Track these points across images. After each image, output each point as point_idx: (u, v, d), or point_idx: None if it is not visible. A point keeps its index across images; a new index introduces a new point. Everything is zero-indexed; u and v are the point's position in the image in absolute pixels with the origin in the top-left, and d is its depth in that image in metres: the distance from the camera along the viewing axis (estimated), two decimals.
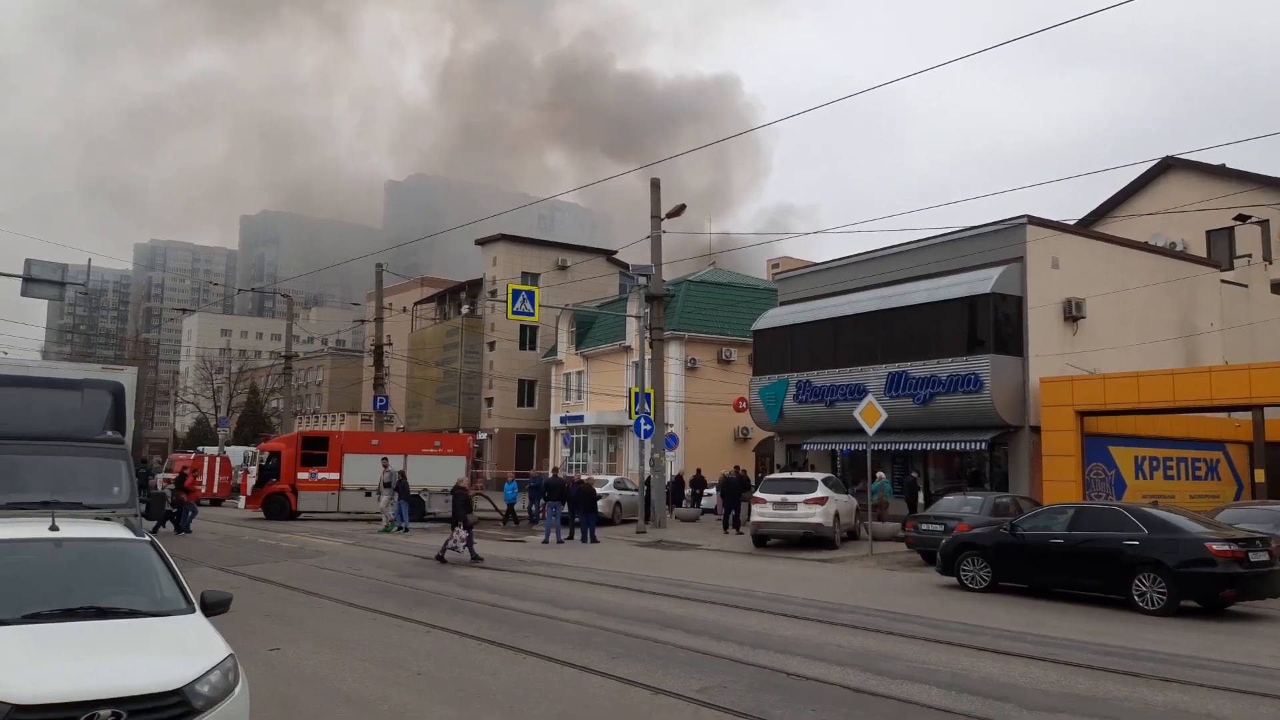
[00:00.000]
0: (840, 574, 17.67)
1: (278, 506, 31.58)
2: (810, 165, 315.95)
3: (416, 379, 60.69)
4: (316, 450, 32.20)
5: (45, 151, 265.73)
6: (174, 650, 5.21)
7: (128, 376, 11.56)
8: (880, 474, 23.95)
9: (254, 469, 33.32)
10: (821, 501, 21.10)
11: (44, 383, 10.82)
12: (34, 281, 22.36)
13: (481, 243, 59.26)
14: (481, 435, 54.61)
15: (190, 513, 26.08)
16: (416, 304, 67.28)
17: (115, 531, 6.60)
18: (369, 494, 31.57)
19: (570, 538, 23.92)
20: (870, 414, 20.62)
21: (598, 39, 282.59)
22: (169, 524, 25.86)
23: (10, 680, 4.53)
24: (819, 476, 22.65)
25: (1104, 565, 13.77)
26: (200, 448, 60.85)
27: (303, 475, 31.77)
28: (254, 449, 39.34)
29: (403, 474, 27.40)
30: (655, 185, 26.73)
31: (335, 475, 31.43)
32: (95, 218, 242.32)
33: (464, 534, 18.54)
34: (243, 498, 35.22)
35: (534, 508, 28.85)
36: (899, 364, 26.76)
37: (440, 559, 18.36)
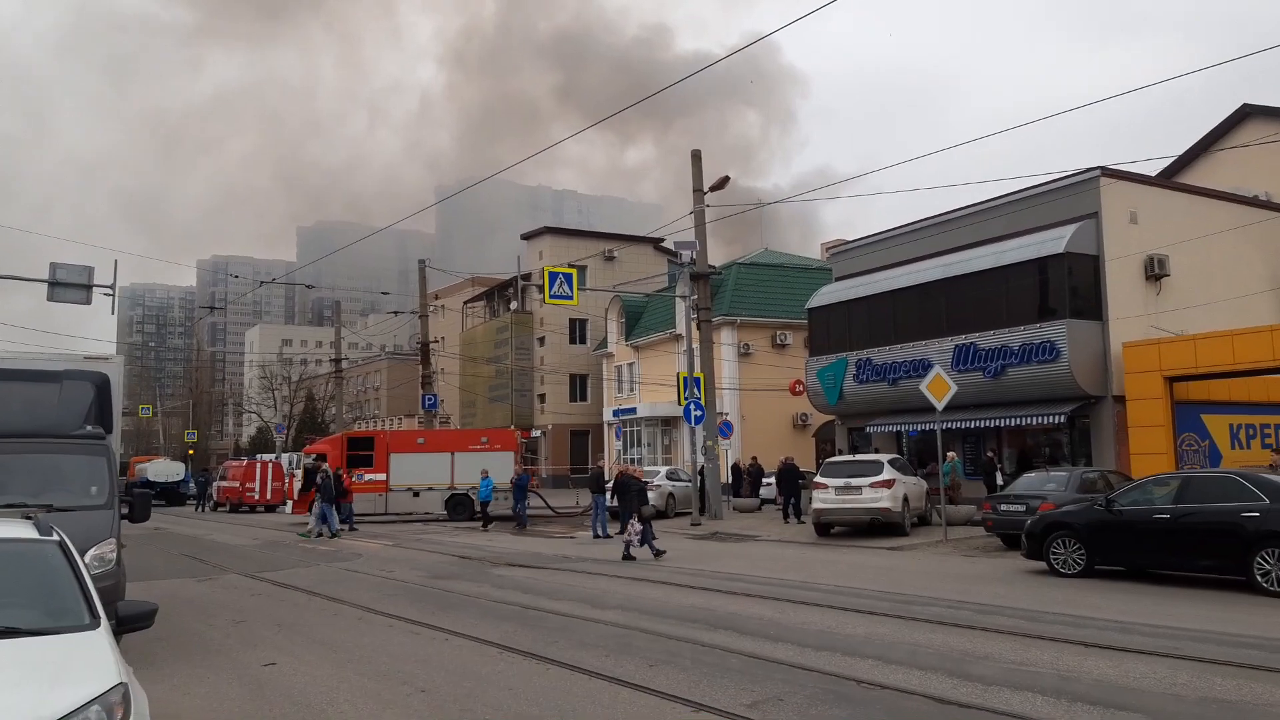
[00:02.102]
0: (913, 562, 16.09)
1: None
2: (854, 141, 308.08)
3: (469, 377, 60.06)
4: (362, 451, 31.42)
5: (87, 172, 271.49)
6: (41, 680, 4.01)
7: (113, 367, 10.53)
8: (951, 453, 22.22)
9: (299, 472, 32.66)
10: (889, 484, 19.47)
11: (15, 375, 9.82)
12: (60, 285, 21.83)
13: (527, 237, 58.39)
14: (535, 432, 53.70)
15: (348, 512, 26.89)
16: (466, 303, 66.67)
17: (14, 530, 5.44)
18: (417, 494, 30.78)
19: (620, 533, 22.62)
20: (938, 387, 18.97)
21: (616, 18, 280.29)
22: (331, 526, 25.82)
23: None
24: (885, 458, 21.02)
25: (1219, 542, 12.04)
26: (259, 455, 61.05)
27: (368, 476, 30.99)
28: (299, 453, 38.79)
29: (326, 475, 25.27)
30: (696, 157, 25.28)
31: (382, 476, 30.60)
32: (142, 237, 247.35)
33: (638, 527, 17.13)
34: (290, 502, 34.61)
35: (519, 506, 26.83)
36: (966, 336, 24.99)
37: (627, 557, 17.02)
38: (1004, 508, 17.39)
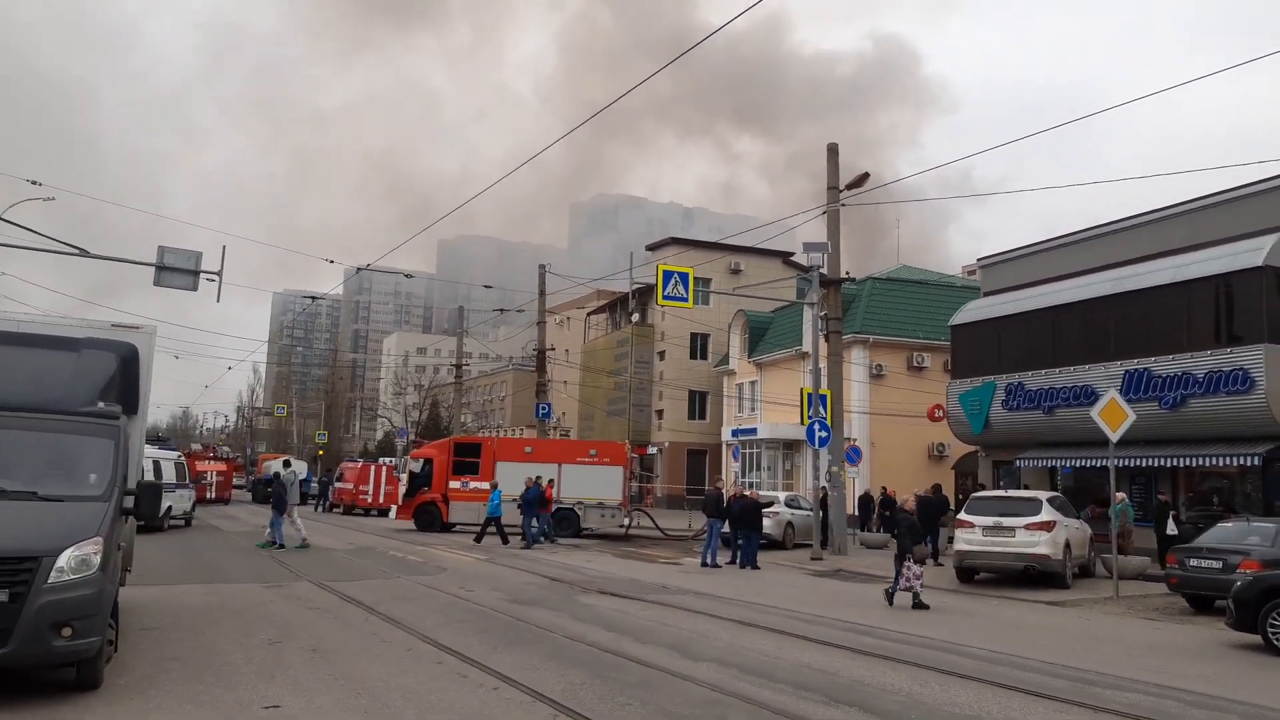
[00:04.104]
0: (1082, 623, 13.33)
1: (428, 517, 29.83)
2: (995, 155, 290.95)
3: (590, 389, 58.92)
4: (468, 458, 30.28)
5: (230, 184, 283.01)
6: None
7: (143, 337, 9.16)
8: (1121, 495, 19.14)
9: (403, 477, 31.76)
10: (1048, 526, 16.62)
11: (26, 339, 8.54)
12: (167, 270, 21.38)
13: (652, 248, 56.86)
14: (651, 449, 51.90)
15: (547, 524, 25.85)
16: (589, 314, 65.71)
17: None
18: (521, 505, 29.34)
19: (732, 561, 20.51)
20: (1113, 415, 16.10)
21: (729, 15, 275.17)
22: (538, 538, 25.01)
23: None
24: (1043, 495, 18.13)
25: None
26: (383, 459, 61.51)
27: (454, 484, 29.87)
28: (406, 457, 38.09)
29: (278, 480, 22.71)
30: (832, 151, 22.97)
31: (487, 485, 29.26)
32: (286, 243, 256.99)
33: (917, 570, 14.06)
34: (393, 507, 33.88)
35: (531, 526, 24.82)
36: (1139, 360, 21.80)
37: (889, 599, 14.21)
38: (1194, 563, 14.42)
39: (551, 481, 26.96)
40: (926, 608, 13.83)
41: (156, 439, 37.10)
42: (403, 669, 8.39)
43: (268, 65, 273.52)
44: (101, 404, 8.28)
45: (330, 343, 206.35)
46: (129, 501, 7.90)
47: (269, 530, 21.55)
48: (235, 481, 56.25)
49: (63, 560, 6.82)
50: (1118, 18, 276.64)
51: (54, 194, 33.59)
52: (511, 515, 25.95)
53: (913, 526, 14.77)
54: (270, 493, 22.47)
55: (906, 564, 14.08)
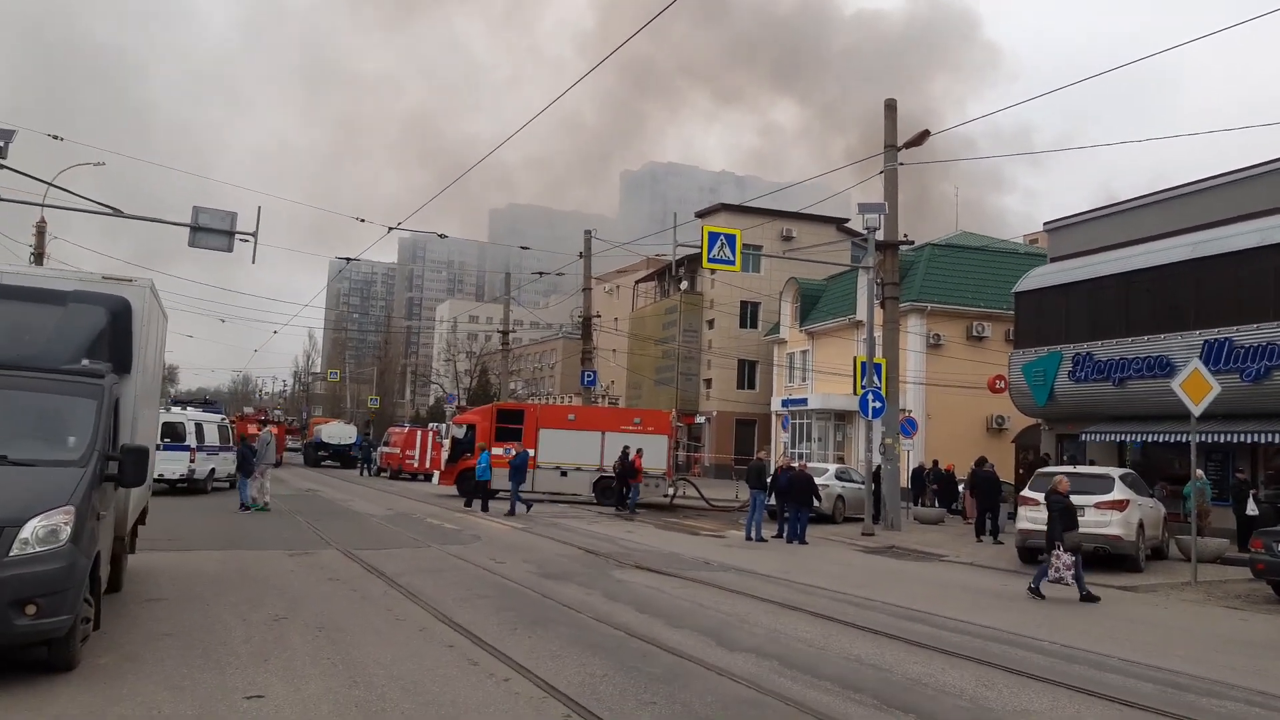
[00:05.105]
0: (1159, 612, 12.22)
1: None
2: (1056, 118, 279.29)
3: (638, 357, 58.15)
4: (511, 425, 29.75)
5: (276, 154, 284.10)
6: None
7: (136, 291, 8.48)
8: (1200, 472, 17.83)
9: (446, 442, 31.32)
10: (1120, 506, 15.43)
11: (8, 292, 7.87)
12: (201, 231, 20.99)
13: (702, 215, 55.61)
14: (699, 418, 51.08)
15: (634, 493, 25.64)
16: (637, 282, 64.79)
17: None
18: (564, 474, 28.84)
19: (779, 536, 19.64)
20: (1196, 386, 14.83)
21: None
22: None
23: None
24: (1115, 472, 16.90)
25: None
26: (431, 424, 61.57)
27: (496, 451, 29.35)
28: (449, 422, 37.74)
29: (244, 443, 22.56)
30: (890, 107, 21.63)
31: (530, 452, 28.71)
32: (340, 209, 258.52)
33: (1067, 559, 12.50)
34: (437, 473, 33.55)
35: (516, 490, 24.02)
36: (1219, 330, 20.34)
37: (1034, 592, 12.66)
38: None
39: (640, 451, 26.36)
40: (1096, 600, 12.41)
41: (204, 402, 37.30)
42: (409, 653, 7.68)
43: (310, 35, 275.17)
44: (87, 361, 7.64)
45: (385, 310, 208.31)
46: (114, 468, 7.27)
47: (250, 491, 21.50)
48: (290, 444, 56.65)
49: (27, 531, 6.18)
50: None
51: (103, 159, 33.78)
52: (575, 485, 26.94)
53: (1065, 510, 12.94)
54: (242, 457, 22.42)
55: (1055, 552, 12.60)
